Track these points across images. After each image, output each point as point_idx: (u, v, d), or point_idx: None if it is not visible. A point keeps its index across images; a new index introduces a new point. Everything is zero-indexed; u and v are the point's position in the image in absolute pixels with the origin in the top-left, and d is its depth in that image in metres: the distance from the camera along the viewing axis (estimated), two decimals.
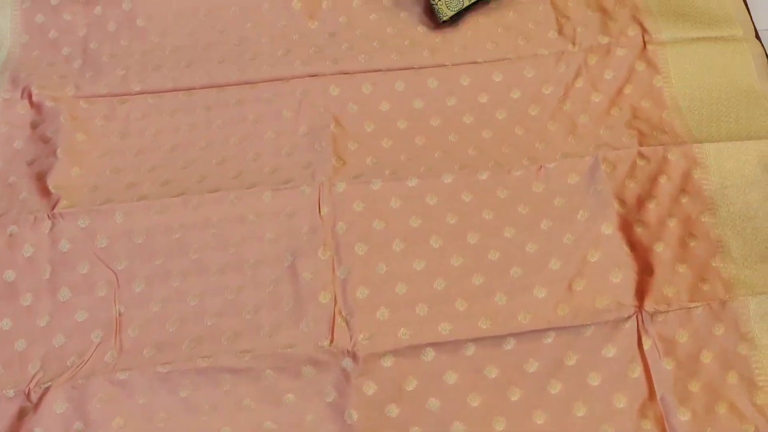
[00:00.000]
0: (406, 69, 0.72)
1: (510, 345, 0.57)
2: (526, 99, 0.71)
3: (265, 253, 0.62)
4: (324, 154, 0.68)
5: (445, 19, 0.74)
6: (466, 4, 0.74)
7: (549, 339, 0.58)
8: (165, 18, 0.76)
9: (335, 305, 0.60)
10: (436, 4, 0.73)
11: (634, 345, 0.57)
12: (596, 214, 0.62)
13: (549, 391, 0.56)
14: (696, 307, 0.59)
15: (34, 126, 0.70)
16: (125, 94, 0.72)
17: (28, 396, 0.58)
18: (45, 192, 0.66)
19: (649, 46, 0.74)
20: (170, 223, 0.64)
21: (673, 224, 0.63)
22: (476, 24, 0.76)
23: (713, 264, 0.61)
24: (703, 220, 0.63)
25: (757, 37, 0.78)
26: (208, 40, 0.75)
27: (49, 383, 0.58)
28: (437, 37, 0.75)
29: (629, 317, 0.58)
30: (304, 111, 0.70)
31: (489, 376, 0.57)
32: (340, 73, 0.72)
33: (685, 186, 0.65)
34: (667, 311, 0.58)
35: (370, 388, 0.57)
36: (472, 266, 0.61)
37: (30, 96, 0.71)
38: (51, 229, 0.63)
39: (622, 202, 0.63)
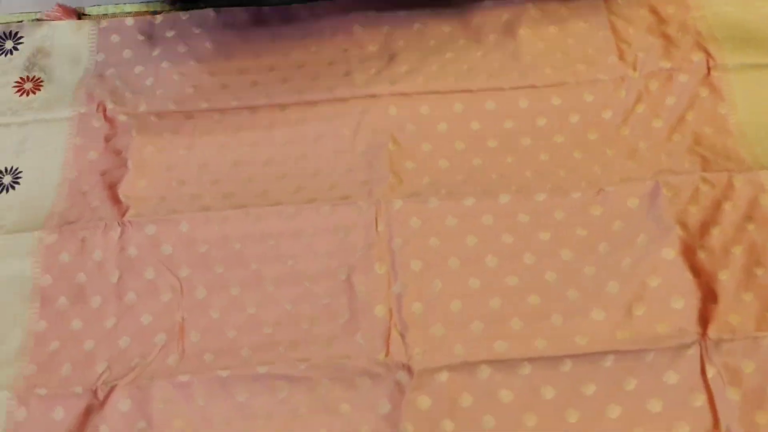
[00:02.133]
0: (463, 92, 0.77)
1: (567, 366, 0.60)
2: (585, 123, 0.75)
3: (321, 267, 0.67)
4: (381, 172, 0.72)
5: None
6: None
7: (608, 362, 0.60)
8: (233, 41, 0.83)
9: (391, 319, 0.63)
10: None
11: (697, 373, 0.59)
12: (657, 238, 0.65)
13: (608, 415, 0.58)
14: (764, 336, 0.60)
15: (107, 139, 0.78)
16: (192, 111, 0.79)
17: (95, 394, 0.63)
18: (116, 201, 0.73)
19: (713, 73, 0.76)
20: (231, 234, 0.69)
21: (738, 252, 0.65)
22: (535, 50, 0.80)
23: None
24: None
25: None
26: (271, 63, 0.82)
27: (115, 383, 0.63)
28: (495, 63, 0.80)
29: (692, 344, 0.59)
30: (362, 130, 0.76)
31: (545, 396, 0.59)
32: (399, 94, 0.77)
33: (751, 213, 0.66)
34: (733, 339, 0.59)
35: (424, 403, 0.60)
36: (527, 286, 0.64)
37: (104, 111, 0.79)
38: (120, 236, 0.70)
39: (684, 227, 0.65)
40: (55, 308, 0.68)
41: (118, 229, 0.70)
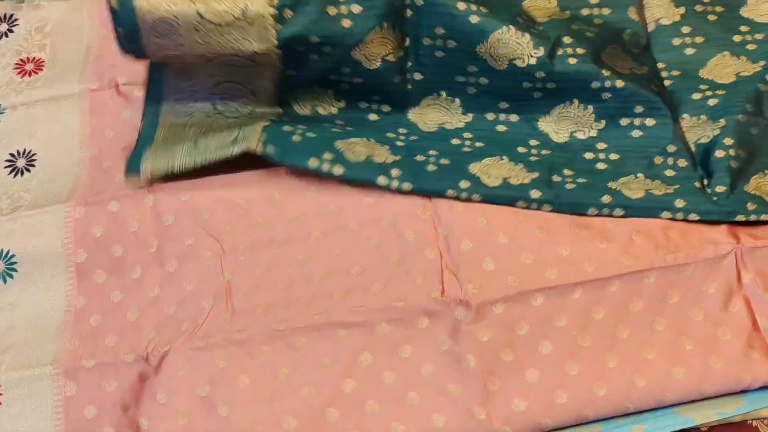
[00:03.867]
0: None
1: (615, 287, 0.63)
2: None
3: (365, 217, 0.68)
4: None
5: None
6: None
7: (651, 279, 0.63)
8: None
9: (441, 260, 0.65)
10: None
11: (734, 280, 0.63)
12: None
13: (655, 328, 0.62)
14: None
15: (124, 115, 0.77)
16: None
17: (147, 360, 0.63)
18: None
19: None
20: (268, 192, 0.69)
21: None
22: None
23: None
24: None
25: None
26: None
27: (168, 347, 0.63)
28: None
29: (727, 254, 0.64)
30: None
31: (596, 317, 0.62)
32: None
33: None
34: (764, 246, 0.64)
35: (484, 335, 0.62)
36: (570, 218, 0.67)
37: (117, 87, 0.78)
38: (153, 204, 0.69)
39: None
40: (93, 282, 0.67)
41: (150, 197, 0.69)
